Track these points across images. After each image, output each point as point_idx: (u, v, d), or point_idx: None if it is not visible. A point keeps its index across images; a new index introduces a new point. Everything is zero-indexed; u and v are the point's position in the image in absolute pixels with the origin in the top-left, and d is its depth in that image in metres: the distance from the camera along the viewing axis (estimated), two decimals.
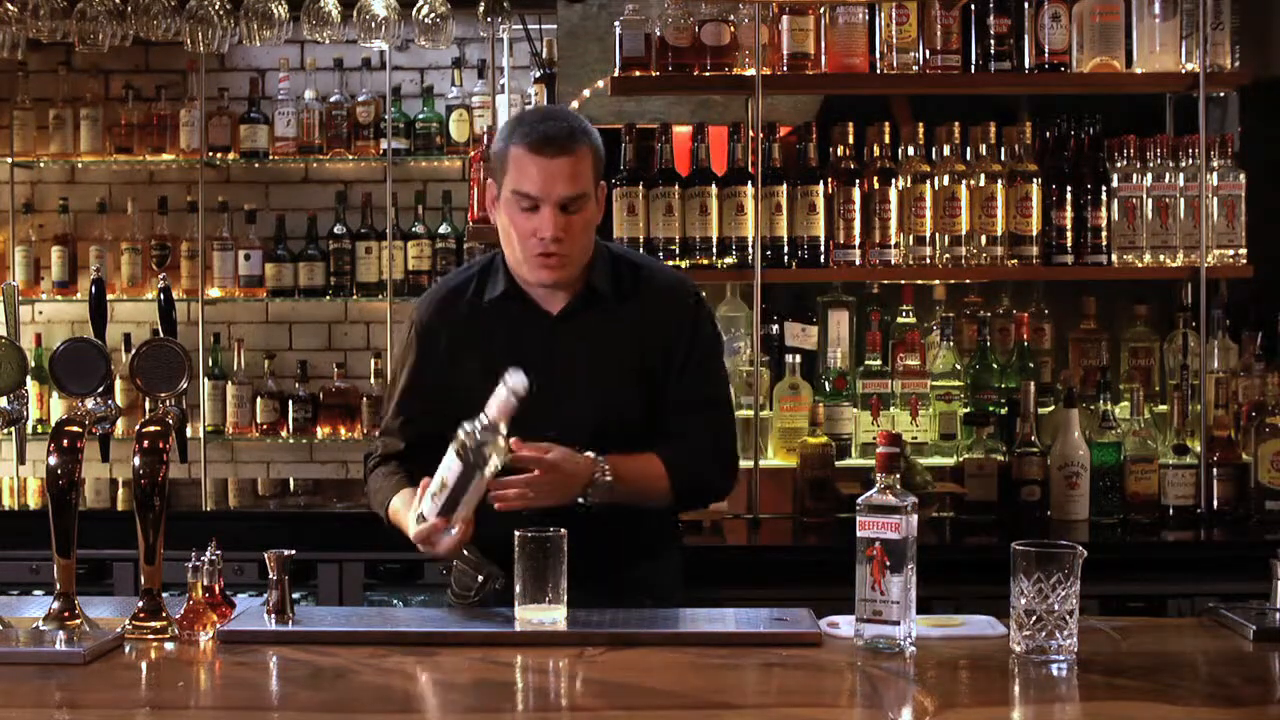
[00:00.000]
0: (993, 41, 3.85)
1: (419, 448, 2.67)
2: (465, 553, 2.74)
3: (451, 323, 2.67)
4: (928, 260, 3.82)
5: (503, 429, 2.34)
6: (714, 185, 3.78)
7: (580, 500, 2.49)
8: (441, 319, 2.68)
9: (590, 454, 2.48)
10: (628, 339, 2.63)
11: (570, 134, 2.54)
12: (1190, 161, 3.82)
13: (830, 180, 3.81)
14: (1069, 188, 3.83)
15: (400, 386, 2.73)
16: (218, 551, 2.32)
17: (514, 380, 2.33)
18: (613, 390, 2.61)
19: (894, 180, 3.81)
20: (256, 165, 5.38)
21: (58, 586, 2.24)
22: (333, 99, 5.30)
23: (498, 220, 2.61)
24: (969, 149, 3.85)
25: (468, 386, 2.60)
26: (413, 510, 2.45)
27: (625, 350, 2.62)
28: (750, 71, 3.79)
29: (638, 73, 3.84)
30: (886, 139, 3.84)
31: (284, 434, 5.32)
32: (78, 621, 2.22)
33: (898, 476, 2.18)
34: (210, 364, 5.34)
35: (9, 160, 5.37)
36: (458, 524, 2.36)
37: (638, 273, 2.69)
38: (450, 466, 2.35)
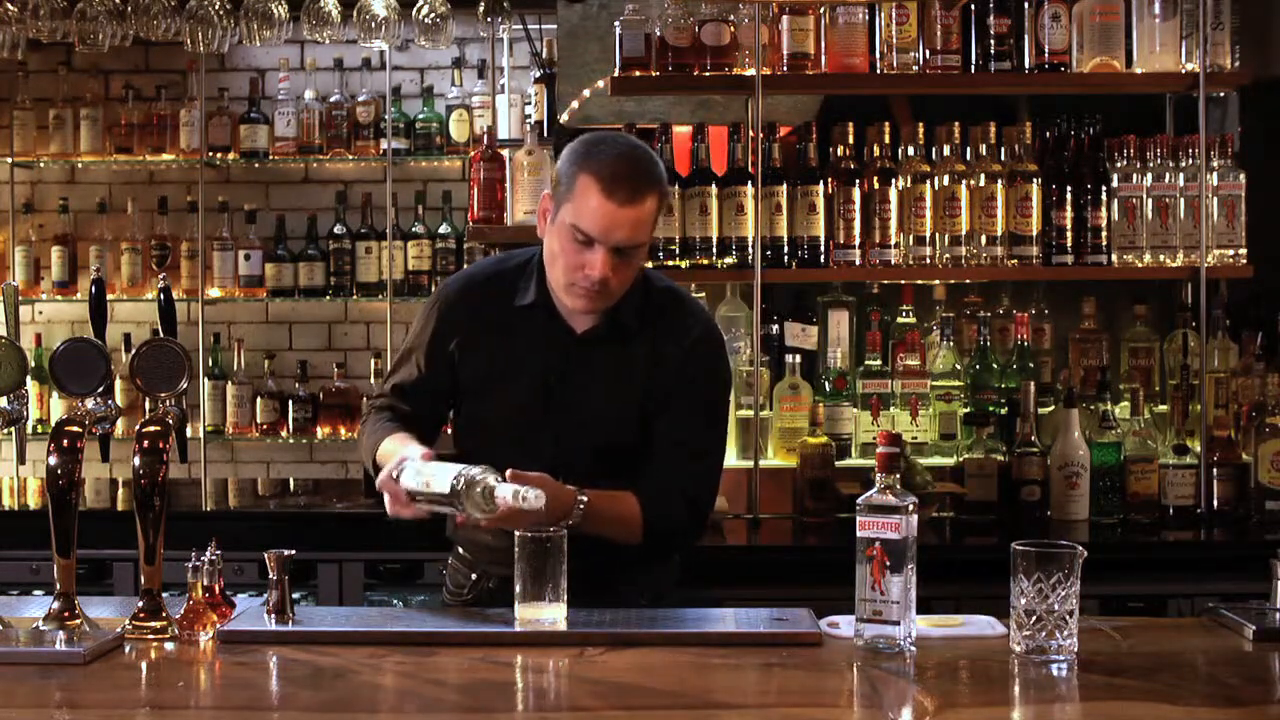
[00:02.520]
0: (993, 41, 3.85)
1: (415, 415, 2.69)
2: (460, 550, 2.75)
3: (476, 314, 2.64)
4: (928, 260, 3.82)
5: (497, 510, 2.29)
6: (714, 185, 3.78)
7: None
8: (468, 307, 2.65)
9: (571, 488, 2.45)
10: (641, 370, 2.61)
11: (645, 180, 2.47)
12: (1190, 161, 3.82)
13: (830, 180, 3.81)
14: (1069, 188, 3.83)
15: (408, 356, 2.72)
16: (218, 551, 2.32)
17: (535, 499, 2.26)
18: (619, 416, 2.60)
19: (894, 180, 3.81)
20: (256, 165, 5.38)
21: (58, 586, 2.24)
22: (333, 99, 5.30)
23: (546, 236, 2.56)
24: (969, 149, 3.85)
25: (477, 378, 2.62)
26: (389, 464, 2.44)
27: (636, 379, 2.61)
28: (750, 71, 3.79)
29: (638, 73, 3.84)
30: (886, 139, 3.84)
31: (284, 434, 5.32)
32: (78, 621, 2.22)
33: (898, 476, 2.18)
34: (210, 364, 5.34)
35: (9, 160, 5.37)
36: (417, 512, 2.38)
37: (664, 306, 2.64)
38: (440, 481, 2.33)
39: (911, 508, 2.15)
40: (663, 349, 2.61)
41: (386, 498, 2.43)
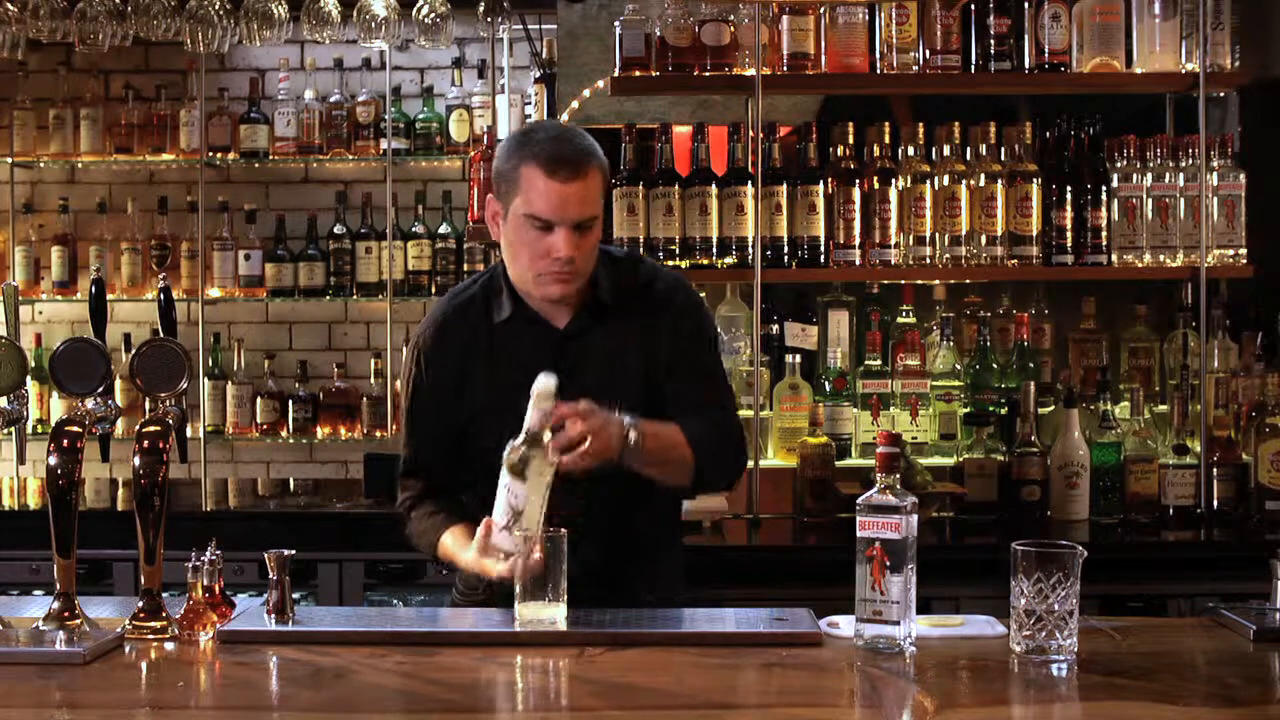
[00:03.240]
0: (993, 41, 3.85)
1: (444, 476, 2.69)
2: None
3: (458, 347, 2.65)
4: (928, 260, 3.82)
5: (546, 437, 2.34)
6: (714, 185, 3.78)
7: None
8: (448, 343, 2.66)
9: (618, 416, 2.45)
10: (634, 346, 2.62)
11: (582, 155, 2.52)
12: (1190, 161, 3.82)
13: (830, 180, 3.81)
14: (1069, 188, 3.83)
15: (411, 418, 2.71)
16: (218, 551, 2.32)
17: (542, 384, 2.35)
18: (624, 397, 2.58)
19: (894, 180, 3.81)
20: (256, 165, 5.38)
21: (58, 586, 2.24)
22: (333, 99, 5.30)
23: (502, 237, 2.59)
24: (969, 149, 3.85)
25: (479, 408, 2.62)
26: (470, 549, 2.45)
27: (632, 357, 2.62)
28: (750, 71, 3.79)
29: (638, 73, 3.84)
30: (886, 139, 3.84)
31: (284, 434, 5.32)
32: (78, 621, 2.22)
33: (898, 476, 2.18)
34: (210, 364, 5.34)
35: (9, 160, 5.37)
36: (536, 541, 2.31)
37: (637, 278, 2.68)
38: (511, 489, 2.35)
39: (911, 508, 2.15)
40: (656, 321, 2.63)
41: (501, 564, 2.40)
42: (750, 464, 3.73)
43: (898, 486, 2.17)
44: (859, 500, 2.18)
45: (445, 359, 2.65)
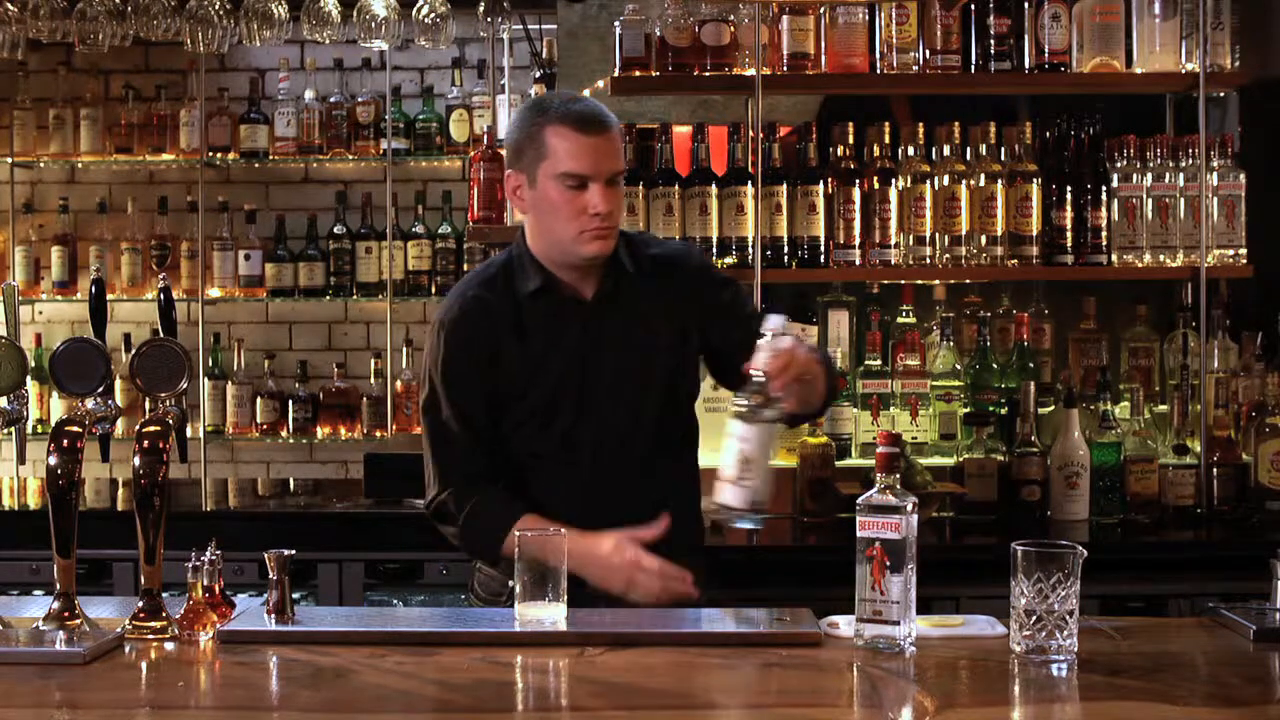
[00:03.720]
0: (993, 41, 3.85)
1: (485, 460, 2.64)
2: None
3: (488, 322, 2.63)
4: (928, 260, 3.82)
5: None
6: (714, 185, 3.78)
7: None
8: (476, 319, 2.64)
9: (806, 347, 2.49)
10: (660, 310, 2.67)
11: (605, 111, 2.61)
12: (1190, 161, 3.82)
13: (830, 180, 3.81)
14: (1069, 188, 3.83)
15: (442, 400, 2.64)
16: (218, 551, 2.32)
17: (775, 323, 2.38)
18: (656, 362, 2.66)
19: (894, 180, 3.81)
20: (256, 165, 5.38)
21: (58, 586, 2.24)
22: (333, 99, 5.30)
23: (529, 208, 2.61)
24: (969, 149, 3.85)
25: (510, 382, 2.62)
26: (614, 543, 2.49)
27: (660, 321, 2.67)
28: (750, 71, 3.79)
29: (638, 73, 3.84)
30: (886, 139, 3.84)
31: (284, 434, 5.32)
32: (78, 621, 2.22)
33: (898, 476, 2.18)
34: (210, 364, 5.34)
35: (9, 160, 5.37)
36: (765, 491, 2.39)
37: (648, 246, 2.76)
38: (744, 437, 2.37)
39: (911, 508, 2.15)
40: (677, 284, 2.70)
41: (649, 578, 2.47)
42: None
43: (898, 486, 2.17)
44: (859, 500, 2.18)
45: (475, 336, 2.63)
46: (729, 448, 2.39)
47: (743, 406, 2.37)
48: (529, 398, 2.63)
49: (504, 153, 2.72)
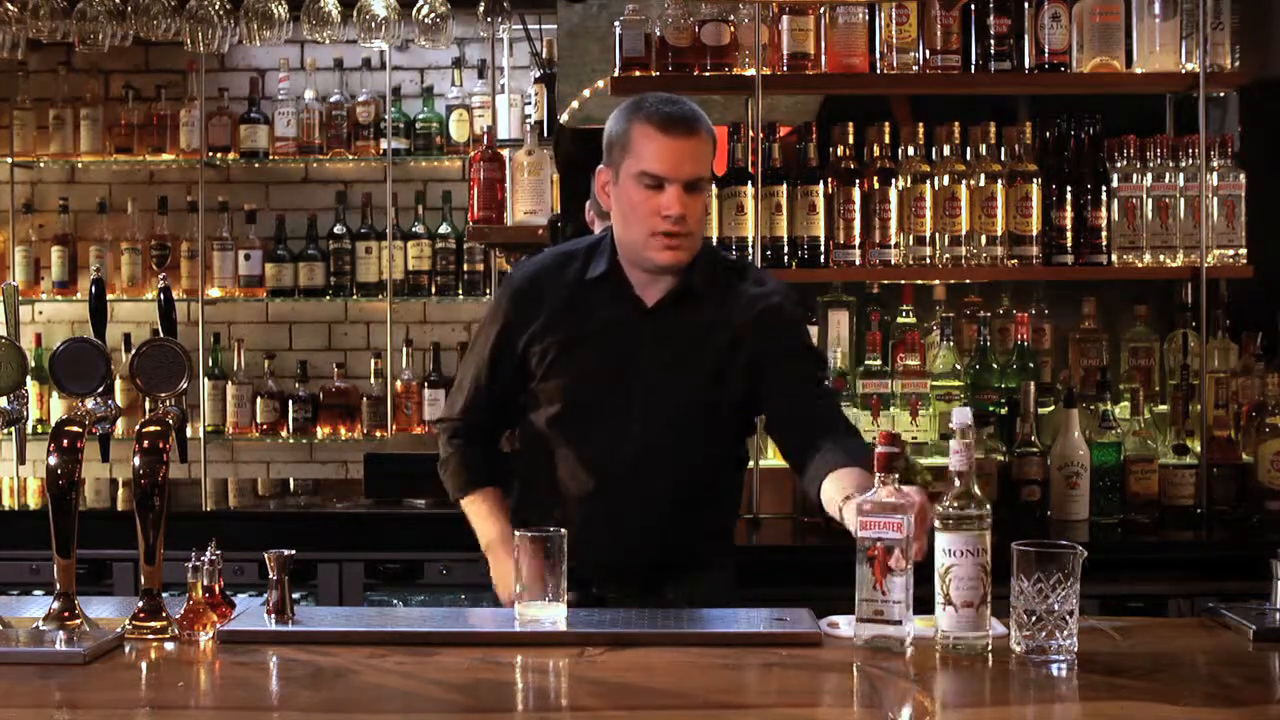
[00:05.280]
0: (993, 41, 3.85)
1: (491, 417, 2.76)
2: None
3: (547, 295, 2.66)
4: (928, 260, 3.82)
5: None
6: (714, 185, 3.78)
7: None
8: (537, 289, 2.67)
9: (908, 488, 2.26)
10: (715, 338, 2.63)
11: (695, 116, 2.57)
12: (1190, 161, 3.82)
13: (830, 180, 3.81)
14: (1069, 188, 3.83)
15: (476, 365, 2.73)
16: (218, 551, 2.32)
17: (959, 419, 2.19)
18: (694, 385, 2.62)
19: (894, 180, 3.81)
20: (256, 165, 5.38)
21: (58, 586, 2.24)
22: (333, 99, 5.30)
23: (613, 204, 2.62)
24: (969, 149, 3.85)
25: (551, 356, 2.63)
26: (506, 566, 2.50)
27: (710, 348, 2.63)
28: (750, 71, 3.79)
29: (638, 73, 3.84)
30: (886, 139, 3.84)
31: (284, 434, 5.32)
32: (78, 621, 2.22)
33: (897, 476, 2.18)
34: (210, 364, 5.34)
35: (9, 160, 5.37)
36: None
37: (733, 275, 2.71)
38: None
39: (911, 508, 2.15)
40: (744, 317, 2.64)
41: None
42: (750, 464, 3.73)
43: (898, 486, 2.17)
44: (859, 500, 2.18)
45: (530, 303, 2.66)
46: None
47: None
48: (562, 381, 2.63)
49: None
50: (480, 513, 2.72)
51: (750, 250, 3.75)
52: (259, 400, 5.31)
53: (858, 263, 3.81)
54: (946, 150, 3.84)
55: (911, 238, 3.82)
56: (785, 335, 2.67)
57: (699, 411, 2.63)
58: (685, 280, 2.63)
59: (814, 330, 3.92)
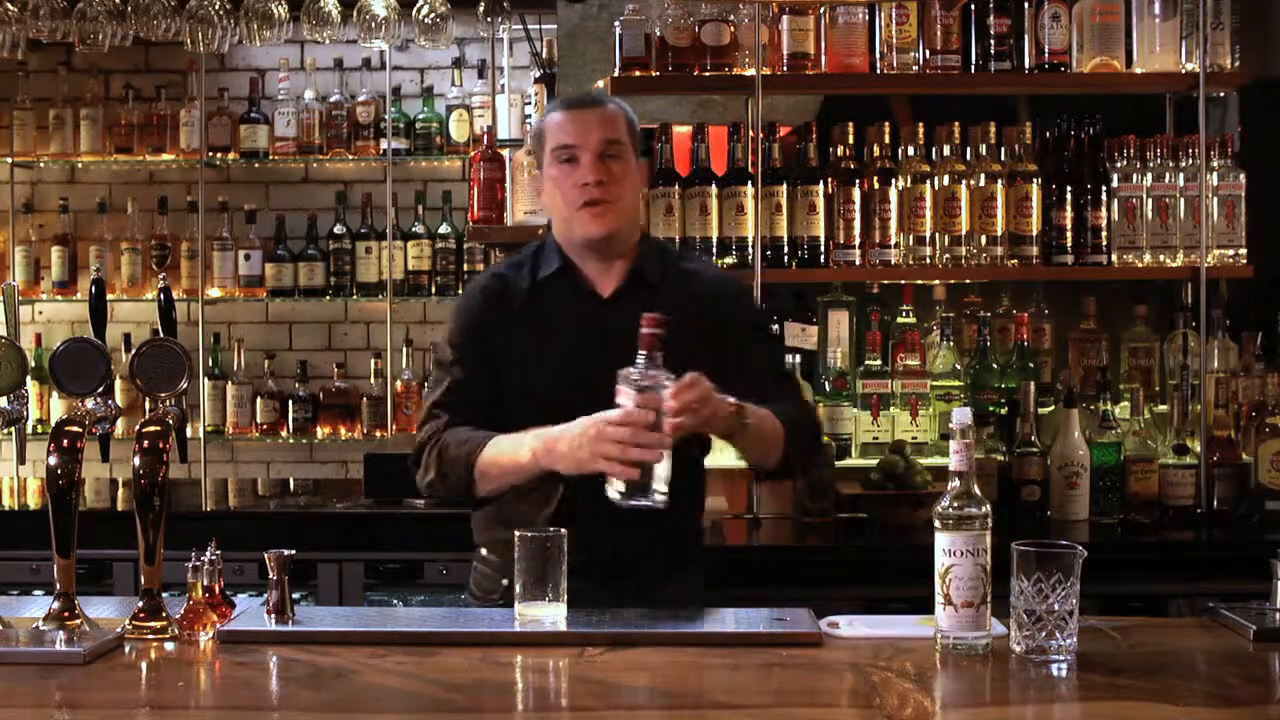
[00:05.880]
0: (993, 41, 3.85)
1: (478, 421, 2.65)
2: (486, 553, 2.74)
3: (504, 299, 2.69)
4: (928, 260, 3.82)
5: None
6: (714, 185, 3.78)
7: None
8: (495, 294, 2.70)
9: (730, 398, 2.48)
10: (673, 324, 2.61)
11: (600, 95, 2.69)
12: (1190, 161, 3.82)
13: (830, 180, 3.81)
14: (1069, 188, 3.83)
15: (446, 368, 2.70)
16: (218, 551, 2.32)
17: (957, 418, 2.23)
18: None
19: (894, 180, 3.81)
20: (256, 165, 5.38)
21: (58, 586, 2.24)
22: (333, 99, 5.30)
23: (545, 193, 2.69)
24: (969, 149, 3.85)
25: (518, 363, 2.64)
26: (565, 431, 2.45)
27: (671, 337, 2.61)
28: (750, 71, 3.79)
29: (638, 73, 3.84)
30: (886, 139, 3.84)
31: (284, 434, 5.32)
32: (78, 621, 2.22)
33: (660, 356, 2.33)
34: (210, 364, 5.34)
35: (9, 160, 5.37)
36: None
37: (686, 266, 2.76)
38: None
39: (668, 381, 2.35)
40: (701, 306, 2.66)
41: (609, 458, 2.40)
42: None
43: (660, 363, 2.35)
44: (620, 371, 2.34)
45: (488, 308, 2.69)
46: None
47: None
48: (531, 380, 2.64)
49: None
50: (502, 446, 2.58)
51: (750, 250, 3.75)
52: (259, 400, 5.32)
53: (858, 263, 3.81)
54: (946, 150, 3.84)
55: (911, 238, 3.82)
56: (746, 320, 2.72)
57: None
58: (637, 268, 2.67)
59: (813, 330, 3.92)
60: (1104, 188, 3.84)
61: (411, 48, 5.13)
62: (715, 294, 2.72)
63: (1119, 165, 3.86)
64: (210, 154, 5.28)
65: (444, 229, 5.28)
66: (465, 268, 5.21)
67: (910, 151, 3.86)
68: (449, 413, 2.67)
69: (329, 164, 5.40)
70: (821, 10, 3.83)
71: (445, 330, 2.76)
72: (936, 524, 2.16)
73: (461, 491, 2.62)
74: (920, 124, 3.89)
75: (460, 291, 5.20)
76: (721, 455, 3.84)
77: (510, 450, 2.55)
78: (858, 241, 3.80)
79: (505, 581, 2.66)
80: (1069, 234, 3.82)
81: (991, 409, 3.76)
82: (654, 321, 2.35)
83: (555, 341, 2.64)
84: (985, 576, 2.14)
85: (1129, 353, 3.97)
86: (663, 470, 2.39)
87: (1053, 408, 3.81)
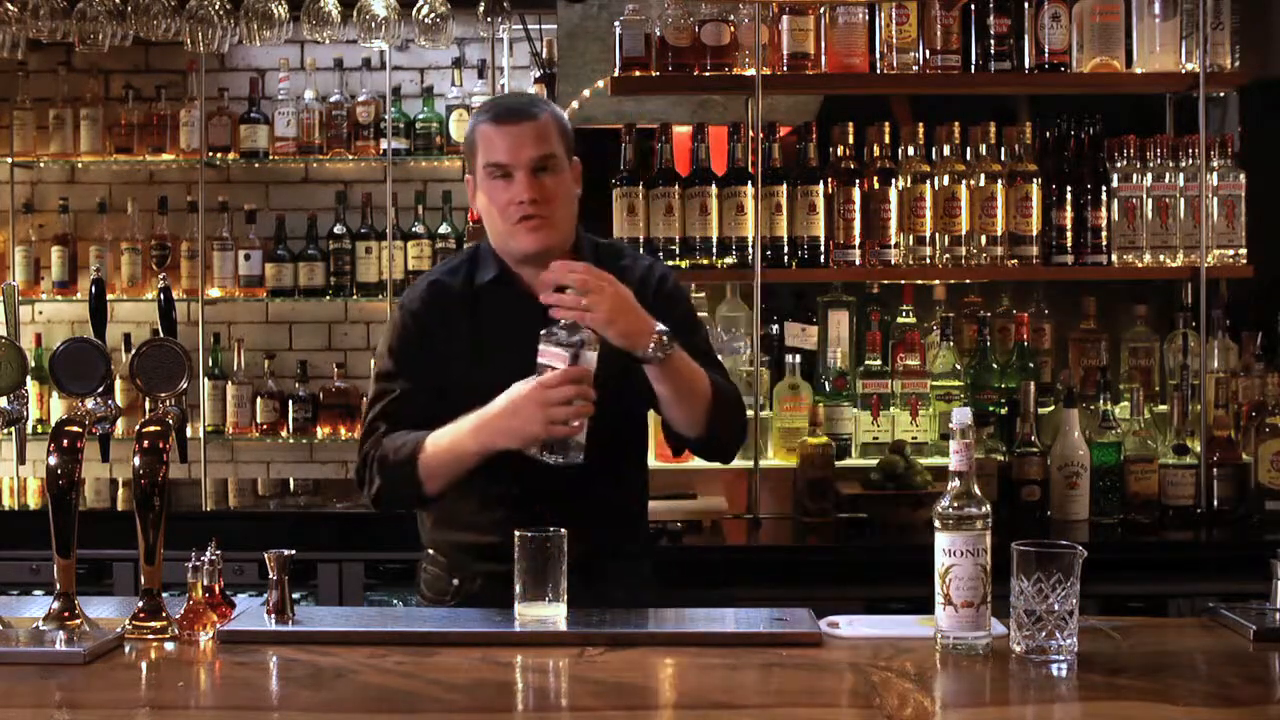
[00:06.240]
0: (993, 41, 3.85)
1: (422, 425, 2.61)
2: (433, 553, 2.74)
3: (444, 307, 2.67)
4: (928, 260, 3.82)
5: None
6: (714, 185, 3.78)
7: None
8: (433, 304, 2.68)
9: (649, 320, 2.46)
10: None
11: (530, 103, 2.64)
12: (1190, 161, 3.82)
13: (830, 180, 3.81)
14: (1069, 188, 3.83)
15: (392, 375, 2.66)
16: (218, 551, 2.32)
17: (957, 419, 2.26)
18: (608, 371, 2.57)
19: (894, 180, 3.81)
20: (256, 165, 5.38)
21: (58, 586, 2.24)
22: (333, 99, 5.30)
23: (480, 205, 2.66)
24: (969, 149, 3.85)
25: (459, 370, 2.62)
26: (499, 403, 2.45)
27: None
28: (750, 71, 3.79)
29: (638, 73, 3.84)
30: (886, 139, 3.84)
31: (284, 434, 5.32)
32: (78, 621, 2.22)
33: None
34: (210, 364, 5.34)
35: (9, 160, 5.37)
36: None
37: (621, 263, 2.70)
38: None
39: (591, 342, 2.37)
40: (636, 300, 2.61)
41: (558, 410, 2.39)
42: (750, 464, 3.74)
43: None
44: (541, 332, 2.37)
45: (432, 318, 2.66)
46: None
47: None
48: (479, 388, 2.57)
49: None
50: (441, 439, 2.54)
51: (750, 250, 3.75)
52: (259, 400, 5.32)
53: (858, 263, 3.81)
54: (946, 150, 3.84)
55: (911, 238, 3.82)
56: (673, 309, 2.64)
57: (616, 392, 2.55)
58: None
59: (813, 330, 3.93)
60: (1104, 188, 3.84)
61: (411, 48, 5.13)
62: (645, 286, 2.65)
63: (1119, 165, 3.86)
64: (210, 154, 5.28)
65: (444, 229, 5.28)
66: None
67: (910, 151, 3.86)
68: (390, 424, 2.63)
69: (329, 164, 5.40)
70: (821, 10, 3.83)
71: (383, 341, 2.73)
72: (936, 524, 2.16)
73: (411, 495, 2.59)
74: (920, 124, 3.89)
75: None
76: None
77: (450, 440, 2.52)
78: (858, 241, 3.80)
79: (456, 581, 2.67)
80: (1069, 234, 3.82)
81: (991, 409, 3.76)
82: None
83: (495, 348, 2.61)
84: (985, 576, 2.14)
85: (1129, 353, 3.97)
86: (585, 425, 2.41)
87: (1053, 408, 3.81)
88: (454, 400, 2.59)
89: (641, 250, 3.72)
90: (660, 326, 2.45)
